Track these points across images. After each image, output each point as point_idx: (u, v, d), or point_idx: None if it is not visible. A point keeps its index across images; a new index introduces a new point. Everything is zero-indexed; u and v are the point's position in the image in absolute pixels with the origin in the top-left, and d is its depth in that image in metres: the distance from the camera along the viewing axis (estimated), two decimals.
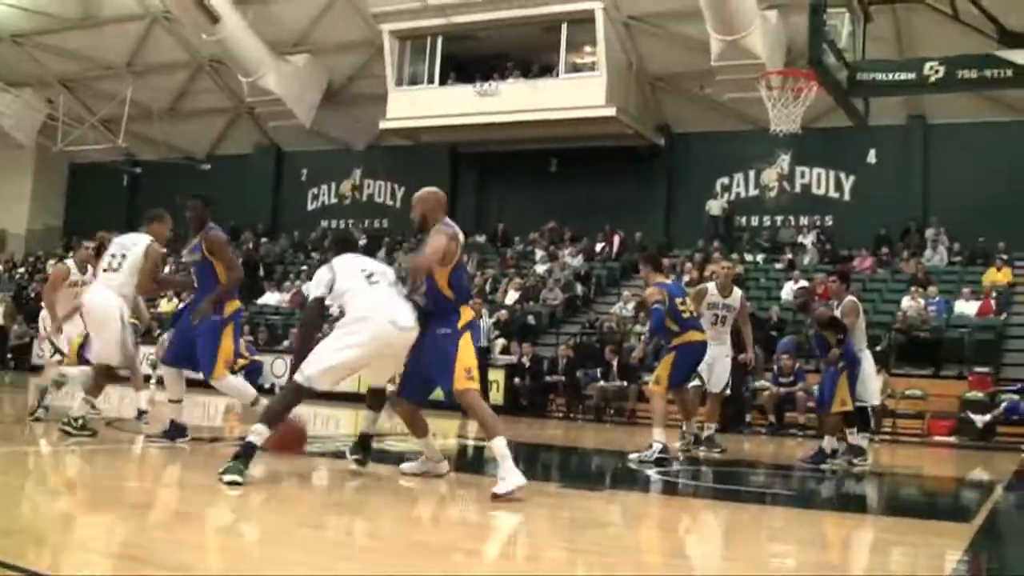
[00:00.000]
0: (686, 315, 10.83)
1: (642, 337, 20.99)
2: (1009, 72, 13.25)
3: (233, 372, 24.52)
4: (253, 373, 24.43)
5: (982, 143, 25.90)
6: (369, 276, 8.12)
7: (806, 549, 6.12)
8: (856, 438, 11.12)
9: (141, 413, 11.17)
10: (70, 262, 12.55)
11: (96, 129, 34.12)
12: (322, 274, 8.01)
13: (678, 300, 10.85)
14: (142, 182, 37.71)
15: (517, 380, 21.75)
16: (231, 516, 5.98)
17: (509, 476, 6.87)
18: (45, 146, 35.63)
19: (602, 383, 20.97)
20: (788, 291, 22.97)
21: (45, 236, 38.36)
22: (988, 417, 18.78)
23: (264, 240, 34.42)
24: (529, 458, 11.70)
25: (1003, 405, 18.89)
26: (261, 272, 31.41)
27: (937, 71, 13.43)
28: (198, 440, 10.23)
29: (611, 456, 12.01)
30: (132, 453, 9.53)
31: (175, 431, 9.66)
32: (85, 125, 33.92)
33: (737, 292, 12.45)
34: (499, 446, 7.03)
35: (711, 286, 12.44)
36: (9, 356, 28.71)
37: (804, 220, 27.99)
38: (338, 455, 10.27)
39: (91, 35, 33.16)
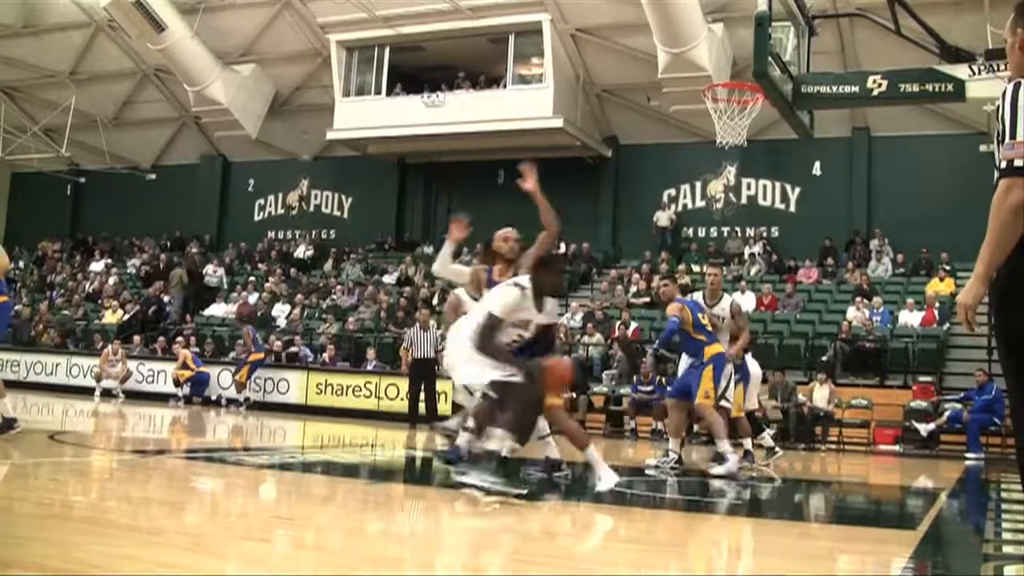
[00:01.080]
0: (710, 328, 11.02)
1: (647, 352, 21.11)
2: (950, 86, 13.46)
3: (178, 384, 24.57)
4: (200, 385, 24.28)
5: (925, 155, 26.28)
6: None
7: (752, 558, 6.16)
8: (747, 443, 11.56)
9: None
10: None
11: (39, 138, 33.76)
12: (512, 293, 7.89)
13: (700, 315, 11.02)
14: (86, 192, 37.41)
15: None
16: (177, 529, 5.93)
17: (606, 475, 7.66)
18: None
19: None
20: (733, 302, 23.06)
21: None
22: (932, 426, 19.03)
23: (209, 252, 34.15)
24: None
25: (946, 414, 19.16)
26: (208, 282, 31.21)
27: (880, 84, 13.61)
28: (142, 452, 10.11)
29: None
30: (70, 465, 9.41)
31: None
32: (27, 134, 33.54)
33: (726, 299, 12.33)
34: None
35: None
36: None
37: (750, 231, 28.23)
38: (284, 467, 10.21)
39: (34, 43, 32.76)
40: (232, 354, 25.27)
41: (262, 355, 23.95)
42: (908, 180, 26.35)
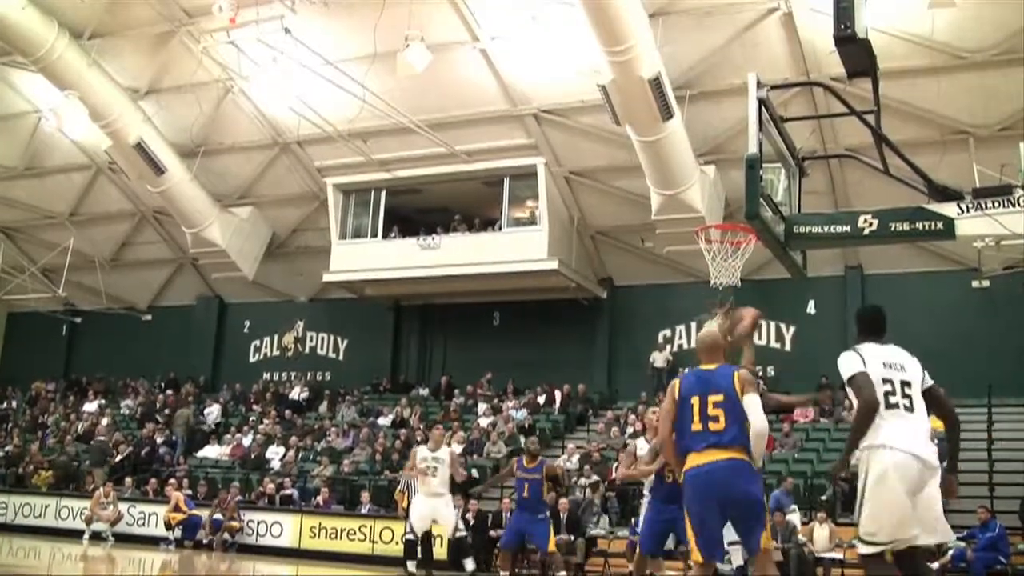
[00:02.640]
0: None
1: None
2: (939, 224, 13.58)
3: (170, 527, 24.37)
4: (191, 528, 23.95)
5: (919, 292, 26.38)
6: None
7: None
8: None
9: None
10: None
11: (36, 278, 33.93)
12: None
13: None
14: (81, 332, 37.49)
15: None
16: None
17: None
18: None
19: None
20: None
21: None
22: (936, 565, 18.69)
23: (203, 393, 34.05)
24: None
25: (950, 552, 18.86)
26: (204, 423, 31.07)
27: (871, 223, 13.72)
28: None
29: None
30: None
31: None
32: (25, 274, 33.72)
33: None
34: None
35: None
36: None
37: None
38: None
39: (35, 184, 33.17)
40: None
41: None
42: (903, 316, 26.32)
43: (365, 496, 24.02)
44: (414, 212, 30.32)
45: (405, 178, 29.25)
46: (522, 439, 26.44)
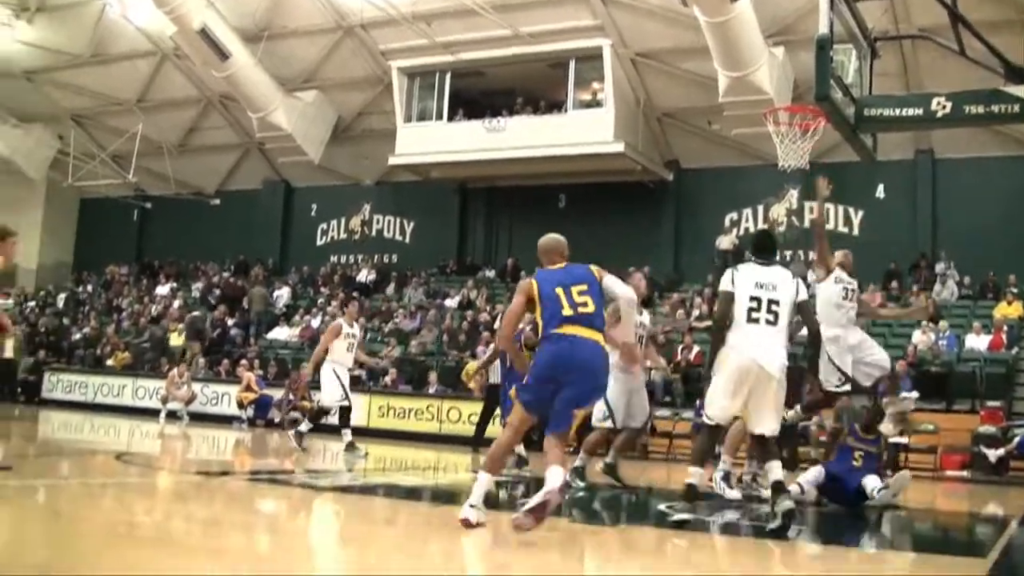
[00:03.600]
0: None
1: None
2: (1016, 107, 13.24)
3: (242, 407, 24.83)
4: (263, 407, 24.47)
5: (990, 177, 25.91)
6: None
7: None
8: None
9: None
10: None
11: (106, 164, 34.29)
12: None
13: None
14: (152, 216, 37.92)
15: None
16: (241, 549, 5.98)
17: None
18: (56, 181, 35.83)
19: None
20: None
21: (56, 271, 38.53)
22: (1001, 452, 18.67)
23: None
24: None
25: (1016, 440, 18.78)
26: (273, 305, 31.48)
27: (944, 106, 13.44)
28: (207, 474, 10.20)
29: (622, 491, 11.91)
30: (137, 486, 9.52)
31: None
32: (95, 160, 34.08)
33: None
34: None
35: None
36: (19, 390, 28.78)
37: (813, 255, 27.89)
38: (346, 489, 10.25)
39: (102, 72, 33.35)
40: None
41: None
42: (974, 202, 26.01)
43: (433, 376, 24.33)
44: (479, 95, 30.10)
45: (469, 61, 29.00)
46: None
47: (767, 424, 7.94)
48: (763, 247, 8.63)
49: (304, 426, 15.60)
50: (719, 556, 7.29)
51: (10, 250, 9.33)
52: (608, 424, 11.11)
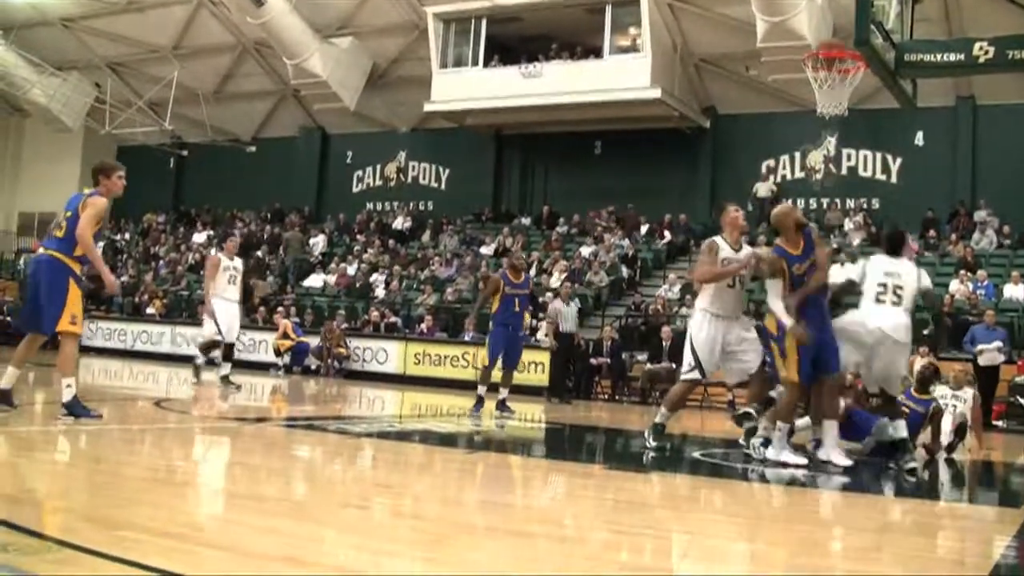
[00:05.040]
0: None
1: None
2: None
3: (279, 354, 25.01)
4: (300, 354, 24.64)
5: None
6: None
7: (853, 533, 6.11)
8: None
9: None
10: None
11: (143, 112, 34.40)
12: None
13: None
14: (188, 164, 38.08)
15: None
16: (277, 495, 6.05)
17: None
18: (93, 129, 35.95)
19: (649, 364, 20.93)
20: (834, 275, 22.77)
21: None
22: None
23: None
24: (576, 440, 11.76)
25: None
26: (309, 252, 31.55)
27: (987, 52, 13.27)
28: (244, 420, 10.29)
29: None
30: (175, 432, 9.62)
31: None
32: (132, 108, 34.19)
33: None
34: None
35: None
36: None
37: (851, 203, 27.73)
38: (382, 435, 10.34)
39: (138, 19, 33.34)
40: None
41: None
42: (1014, 150, 25.68)
43: (468, 323, 24.35)
44: (515, 41, 29.92)
45: (505, 6, 28.81)
46: (623, 269, 26.58)
47: (893, 386, 9.52)
48: (894, 244, 9.81)
49: (200, 359, 16.78)
50: (727, 497, 7.31)
51: (116, 184, 9.36)
52: (695, 375, 9.75)
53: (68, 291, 8.67)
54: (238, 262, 16.62)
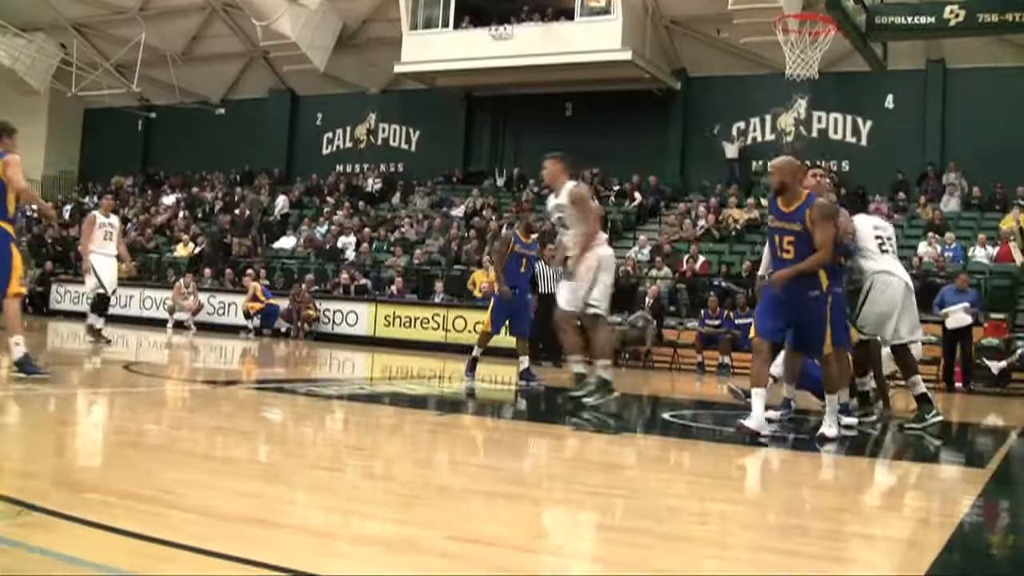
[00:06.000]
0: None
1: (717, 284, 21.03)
2: None
3: (248, 317, 24.96)
4: (269, 316, 24.57)
5: (1001, 88, 25.64)
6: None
7: (821, 492, 6.15)
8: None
9: None
10: None
11: (110, 74, 34.07)
12: None
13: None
14: (157, 126, 37.79)
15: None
16: (248, 458, 6.03)
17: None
18: (59, 91, 35.59)
19: (621, 326, 20.99)
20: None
21: (61, 181, 38.45)
22: (1003, 364, 18.76)
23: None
24: (549, 401, 11.78)
25: (1019, 352, 18.87)
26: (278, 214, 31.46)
27: (957, 15, 13.31)
28: (214, 383, 10.27)
29: (626, 400, 11.98)
30: (145, 395, 9.58)
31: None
32: (99, 70, 33.85)
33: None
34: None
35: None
36: (27, 300, 28.81)
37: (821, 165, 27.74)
38: (353, 397, 10.34)
39: None
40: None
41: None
42: (984, 113, 25.77)
43: (439, 286, 24.37)
44: (485, 2, 29.77)
45: None
46: None
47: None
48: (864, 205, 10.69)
49: (95, 320, 16.68)
50: (697, 458, 7.34)
51: (15, 145, 9.25)
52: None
53: (11, 256, 8.89)
54: (114, 219, 16.95)
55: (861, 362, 9.77)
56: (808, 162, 10.48)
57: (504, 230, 21.98)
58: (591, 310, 9.80)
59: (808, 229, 7.87)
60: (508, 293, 12.62)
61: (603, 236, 10.37)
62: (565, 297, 9.85)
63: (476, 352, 13.17)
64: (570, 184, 10.15)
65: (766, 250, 8.74)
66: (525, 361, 13.02)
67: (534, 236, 13.78)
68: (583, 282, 9.78)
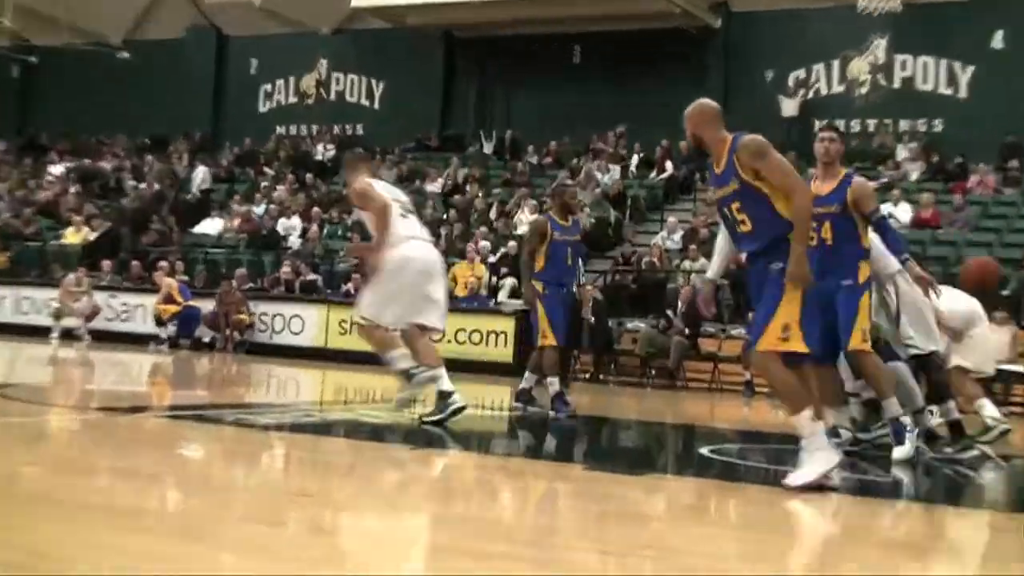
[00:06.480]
0: None
1: None
2: None
3: (161, 323, 24.95)
4: (188, 322, 24.48)
5: None
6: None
7: (894, 552, 6.08)
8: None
9: None
10: None
11: None
12: None
13: None
14: (39, 75, 37.72)
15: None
16: (158, 508, 5.97)
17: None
18: None
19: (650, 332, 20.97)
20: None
21: None
22: None
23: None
24: (551, 432, 11.74)
25: None
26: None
27: None
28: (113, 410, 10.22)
29: (652, 429, 11.94)
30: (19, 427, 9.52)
31: None
32: None
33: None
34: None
35: None
36: None
37: (905, 124, 27.79)
38: (297, 428, 10.29)
39: None
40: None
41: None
42: None
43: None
44: None
45: None
46: (610, 210, 26.52)
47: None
48: None
49: None
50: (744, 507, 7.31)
51: None
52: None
53: None
54: None
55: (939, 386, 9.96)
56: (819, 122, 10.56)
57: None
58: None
59: (747, 183, 7.50)
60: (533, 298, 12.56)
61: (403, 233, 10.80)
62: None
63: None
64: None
65: (719, 237, 8.67)
66: (555, 384, 12.52)
67: (573, 217, 13.23)
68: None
